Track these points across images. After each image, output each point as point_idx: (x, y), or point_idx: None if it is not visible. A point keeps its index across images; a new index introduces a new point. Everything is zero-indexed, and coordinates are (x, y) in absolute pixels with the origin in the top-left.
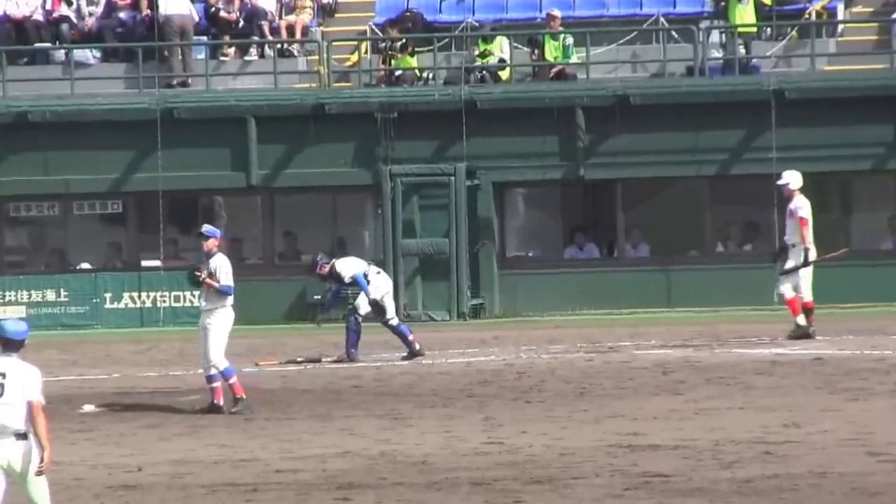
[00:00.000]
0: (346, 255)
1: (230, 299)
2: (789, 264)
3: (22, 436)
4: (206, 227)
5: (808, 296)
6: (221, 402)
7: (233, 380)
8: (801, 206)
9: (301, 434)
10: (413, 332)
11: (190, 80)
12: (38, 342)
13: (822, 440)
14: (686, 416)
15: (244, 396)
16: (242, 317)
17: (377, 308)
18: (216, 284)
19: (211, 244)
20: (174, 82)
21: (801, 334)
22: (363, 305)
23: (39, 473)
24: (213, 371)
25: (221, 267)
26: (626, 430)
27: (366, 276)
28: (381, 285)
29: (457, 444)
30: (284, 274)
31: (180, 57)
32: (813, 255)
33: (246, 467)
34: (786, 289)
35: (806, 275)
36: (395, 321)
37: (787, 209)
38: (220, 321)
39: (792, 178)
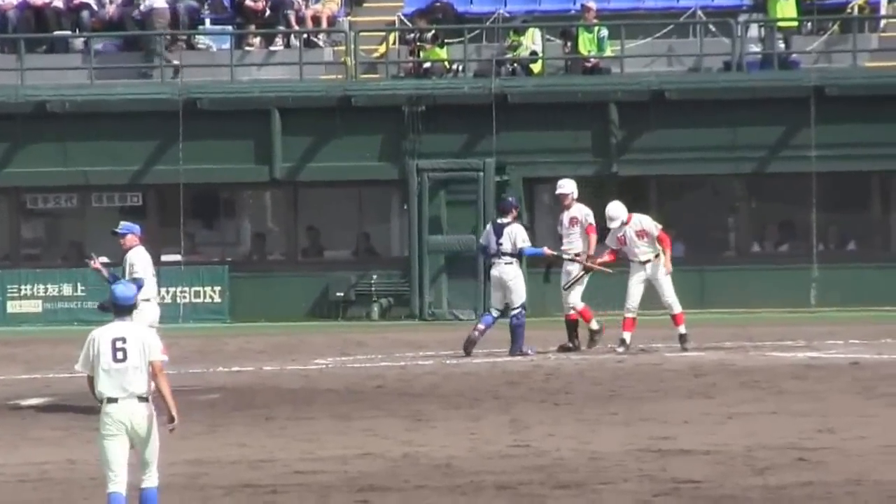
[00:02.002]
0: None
1: (148, 294)
2: (569, 276)
3: (143, 398)
4: (121, 225)
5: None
6: None
7: None
8: (587, 213)
9: (322, 434)
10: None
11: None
12: (53, 338)
13: (857, 447)
14: (718, 421)
15: None
16: (264, 313)
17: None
18: (105, 272)
19: (128, 241)
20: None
21: (593, 341)
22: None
23: (172, 430)
24: None
25: (136, 262)
26: (657, 434)
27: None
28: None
29: (482, 447)
30: (307, 270)
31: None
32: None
33: (265, 468)
34: (575, 300)
35: (580, 283)
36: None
37: (563, 219)
38: (141, 318)
39: (571, 187)
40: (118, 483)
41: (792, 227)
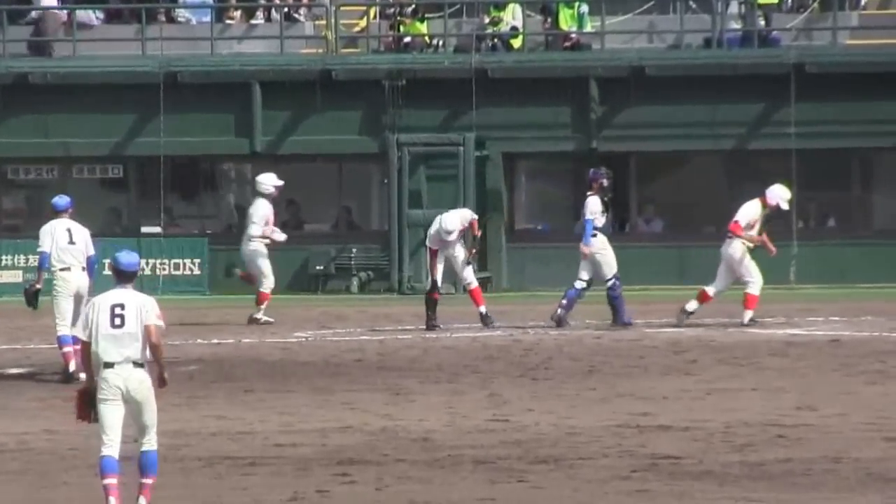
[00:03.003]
0: None
1: (49, 265)
2: (462, 258)
3: (139, 364)
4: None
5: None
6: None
7: (65, 349)
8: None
9: (301, 407)
10: None
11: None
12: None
13: (837, 424)
14: (697, 397)
15: (70, 369)
16: (243, 286)
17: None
18: None
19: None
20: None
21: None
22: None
23: (163, 386)
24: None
25: (40, 236)
26: (636, 410)
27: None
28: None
29: (461, 421)
30: (287, 243)
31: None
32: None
33: (244, 440)
34: (471, 276)
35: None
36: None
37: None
38: (65, 289)
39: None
40: (111, 447)
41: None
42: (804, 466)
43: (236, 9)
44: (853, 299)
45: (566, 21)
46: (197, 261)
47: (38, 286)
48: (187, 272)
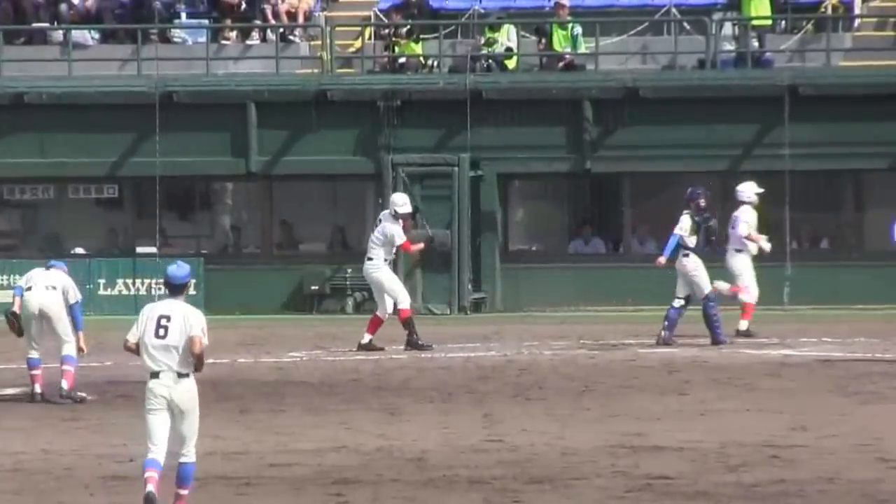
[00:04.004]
0: None
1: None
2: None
3: (184, 374)
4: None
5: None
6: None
7: (32, 372)
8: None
9: (296, 427)
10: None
11: None
12: None
13: (830, 445)
14: (691, 418)
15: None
16: (238, 306)
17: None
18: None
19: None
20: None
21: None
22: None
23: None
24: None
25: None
26: (630, 431)
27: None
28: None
29: (455, 441)
30: (282, 263)
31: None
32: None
33: (239, 460)
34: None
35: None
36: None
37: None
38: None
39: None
40: (156, 453)
41: (765, 225)
42: (798, 487)
43: (232, 29)
44: (846, 320)
45: (560, 42)
46: (192, 281)
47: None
48: None
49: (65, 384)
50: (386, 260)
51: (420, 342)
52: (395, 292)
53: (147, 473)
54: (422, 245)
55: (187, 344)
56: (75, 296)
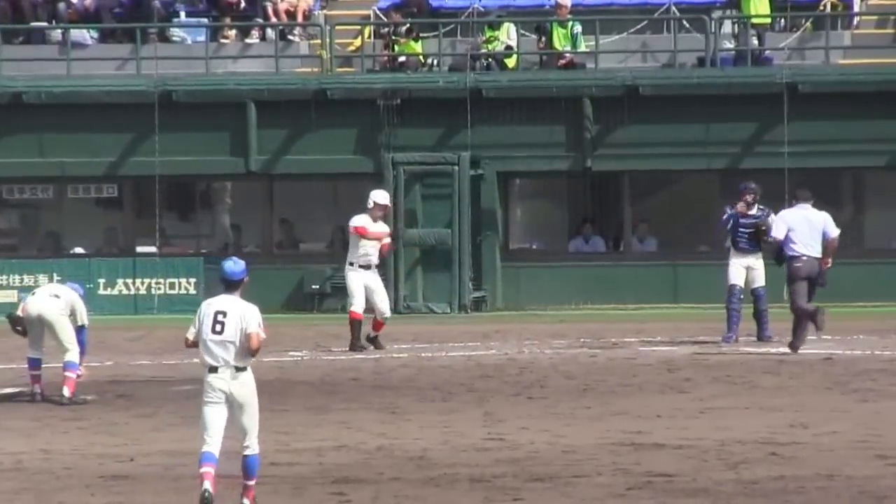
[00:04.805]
0: None
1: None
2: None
3: (241, 368)
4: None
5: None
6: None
7: (32, 373)
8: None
9: (297, 426)
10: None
11: None
12: None
13: (829, 442)
14: (691, 415)
15: (37, 390)
16: None
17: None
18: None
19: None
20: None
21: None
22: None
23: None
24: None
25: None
26: (630, 429)
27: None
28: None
29: (456, 440)
30: (283, 263)
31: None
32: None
33: (239, 459)
34: (388, 309)
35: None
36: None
37: (374, 229)
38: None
39: (385, 198)
40: (212, 445)
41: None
42: (797, 484)
43: (231, 28)
44: (845, 318)
45: (560, 41)
46: (192, 280)
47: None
48: (183, 292)
49: (66, 391)
50: (351, 263)
51: (360, 344)
52: (351, 293)
53: (203, 468)
54: (382, 234)
55: (244, 339)
56: (82, 319)
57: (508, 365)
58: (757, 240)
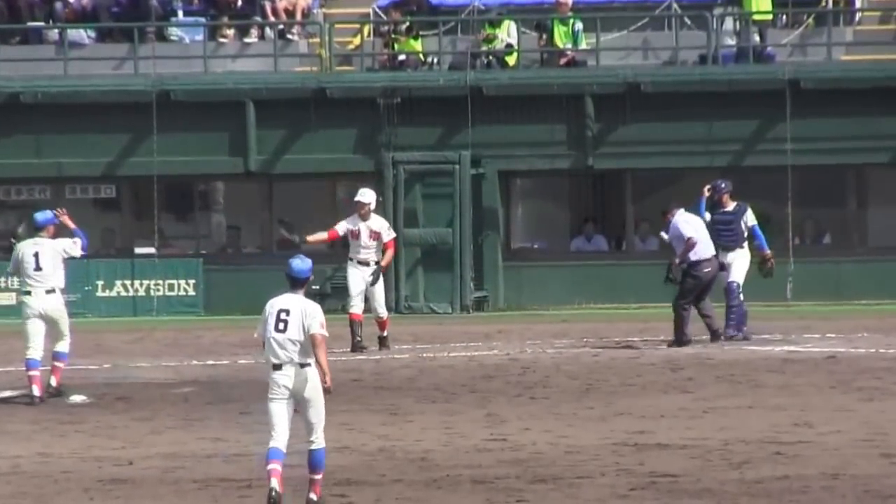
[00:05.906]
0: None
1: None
2: (369, 282)
3: (305, 365)
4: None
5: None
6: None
7: (31, 373)
8: (388, 226)
9: (297, 429)
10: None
11: None
12: None
13: (834, 441)
14: (695, 415)
15: (35, 392)
16: (238, 306)
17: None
18: (71, 224)
19: (50, 231)
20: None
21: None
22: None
23: (327, 391)
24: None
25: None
26: (633, 429)
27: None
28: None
29: (458, 441)
30: (282, 263)
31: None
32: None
33: (240, 462)
34: (384, 309)
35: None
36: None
37: (361, 230)
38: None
39: (371, 197)
40: (278, 441)
41: (767, 220)
42: (802, 483)
43: (229, 27)
44: (849, 316)
45: (561, 38)
46: (191, 281)
47: None
48: (181, 293)
49: (52, 381)
50: (351, 259)
51: (361, 344)
52: (349, 294)
53: (270, 465)
54: (323, 237)
55: (307, 337)
56: (73, 245)
57: (510, 365)
58: (738, 235)
